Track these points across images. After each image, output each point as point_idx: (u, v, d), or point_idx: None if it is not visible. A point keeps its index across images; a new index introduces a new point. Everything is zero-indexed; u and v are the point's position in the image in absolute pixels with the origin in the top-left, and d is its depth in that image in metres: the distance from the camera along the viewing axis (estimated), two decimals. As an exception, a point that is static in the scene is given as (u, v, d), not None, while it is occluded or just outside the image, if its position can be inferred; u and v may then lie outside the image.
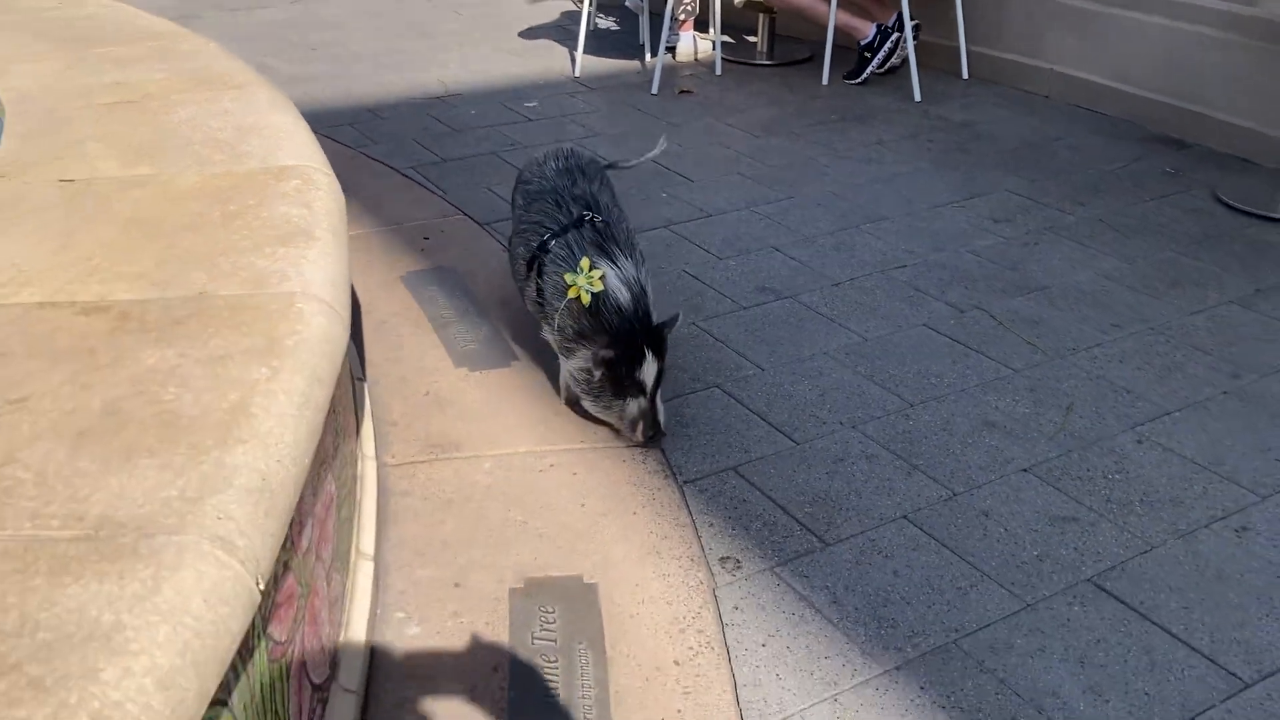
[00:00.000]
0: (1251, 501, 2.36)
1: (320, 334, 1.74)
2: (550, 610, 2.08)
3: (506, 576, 2.16)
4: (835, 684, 1.93)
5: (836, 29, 5.11)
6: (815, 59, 5.34)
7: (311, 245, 1.99)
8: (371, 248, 3.54)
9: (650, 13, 5.49)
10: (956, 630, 2.04)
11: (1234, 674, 1.94)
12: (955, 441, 2.58)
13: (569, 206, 2.63)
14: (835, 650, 2.00)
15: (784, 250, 3.54)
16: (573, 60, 5.40)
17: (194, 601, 1.17)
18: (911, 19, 5.10)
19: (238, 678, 1.33)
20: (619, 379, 2.48)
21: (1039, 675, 1.94)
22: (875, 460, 2.52)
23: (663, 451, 2.56)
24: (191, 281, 1.81)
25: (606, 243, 2.54)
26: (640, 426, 2.51)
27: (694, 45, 5.59)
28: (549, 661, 1.96)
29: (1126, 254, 3.48)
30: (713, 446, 2.58)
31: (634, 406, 2.51)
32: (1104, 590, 2.13)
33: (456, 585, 2.14)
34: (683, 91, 5.09)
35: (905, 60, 5.05)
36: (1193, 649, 1.99)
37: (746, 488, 2.44)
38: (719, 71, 5.36)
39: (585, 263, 2.48)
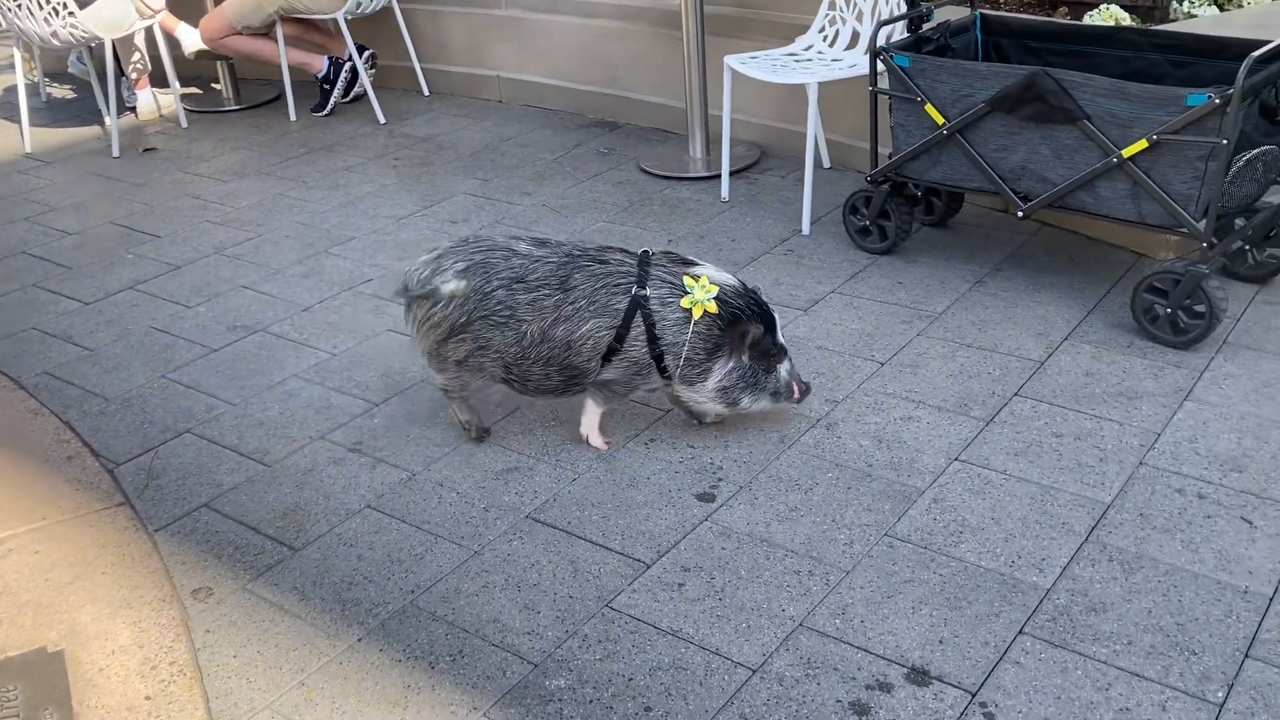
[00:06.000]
0: (658, 417, 2.80)
1: None
2: (12, 689, 2.08)
3: (-37, 670, 2.13)
4: (303, 670, 2.09)
5: (291, 67, 5.25)
6: (283, 98, 5.43)
7: None
8: None
9: (101, 75, 5.31)
10: (413, 591, 2.27)
11: (639, 560, 2.32)
12: (416, 427, 2.83)
13: (611, 254, 2.53)
14: (303, 641, 2.17)
15: (254, 287, 3.63)
16: (22, 136, 5.13)
17: None
18: (365, 47, 5.35)
19: None
20: (767, 351, 2.54)
21: (483, 609, 2.21)
22: (342, 463, 2.71)
23: (132, 507, 2.60)
24: None
25: (673, 258, 2.56)
26: (797, 383, 2.63)
27: (155, 101, 5.49)
28: (12, 737, 1.97)
29: (566, 230, 3.91)
30: (184, 490, 2.65)
31: (784, 370, 2.61)
32: (539, 521, 2.45)
33: (-94, 694, 2.08)
34: (147, 149, 5.01)
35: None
36: (608, 549, 2.35)
37: (219, 519, 2.54)
38: (185, 124, 5.31)
39: (690, 280, 2.48)
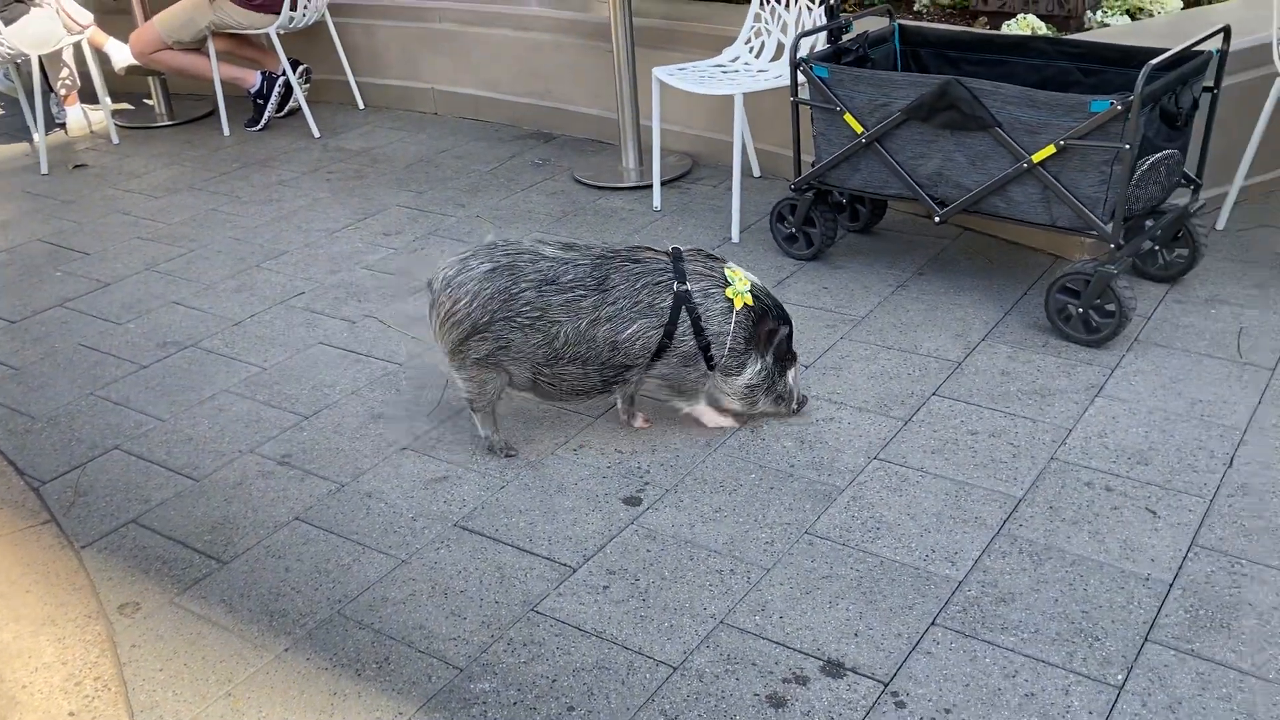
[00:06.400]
0: (587, 424, 2.84)
1: None
2: (-67, 708, 2.07)
3: (-117, 691, 2.11)
4: (230, 680, 2.11)
5: (224, 82, 5.23)
6: (217, 113, 5.40)
7: None
8: None
9: (29, 91, 5.27)
10: (340, 601, 2.29)
11: (565, 564, 2.35)
12: (345, 439, 2.84)
13: (643, 253, 2.59)
14: (230, 652, 2.18)
15: (185, 303, 3.63)
16: (-52, 154, 5.07)
17: None
18: (299, 62, 5.35)
19: None
20: (784, 354, 2.66)
21: (409, 616, 2.24)
22: (271, 476, 2.72)
23: (58, 525, 2.59)
24: None
25: (704, 254, 2.64)
26: (799, 394, 2.75)
27: (85, 118, 5.45)
28: (-68, 756, 1.97)
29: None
30: (112, 506, 2.64)
31: (792, 376, 2.71)
32: (467, 529, 2.48)
33: None
34: (77, 166, 4.97)
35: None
36: (535, 555, 2.39)
37: (146, 535, 2.54)
38: (116, 140, 5.28)
39: (729, 273, 2.59)
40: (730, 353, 2.60)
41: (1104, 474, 2.50)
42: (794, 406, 2.76)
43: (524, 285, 2.51)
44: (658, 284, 2.54)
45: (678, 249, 2.63)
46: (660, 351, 2.58)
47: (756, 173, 4.34)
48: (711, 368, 2.63)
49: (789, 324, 2.66)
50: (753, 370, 2.64)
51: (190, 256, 3.98)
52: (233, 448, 2.84)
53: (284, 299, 3.62)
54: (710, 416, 2.77)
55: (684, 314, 2.55)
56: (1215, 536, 2.30)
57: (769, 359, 2.65)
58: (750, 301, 2.60)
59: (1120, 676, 1.98)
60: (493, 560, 2.38)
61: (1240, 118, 3.57)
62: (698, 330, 2.56)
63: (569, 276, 2.52)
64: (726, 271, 2.60)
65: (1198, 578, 2.19)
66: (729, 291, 2.57)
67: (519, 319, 2.51)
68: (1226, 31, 3.05)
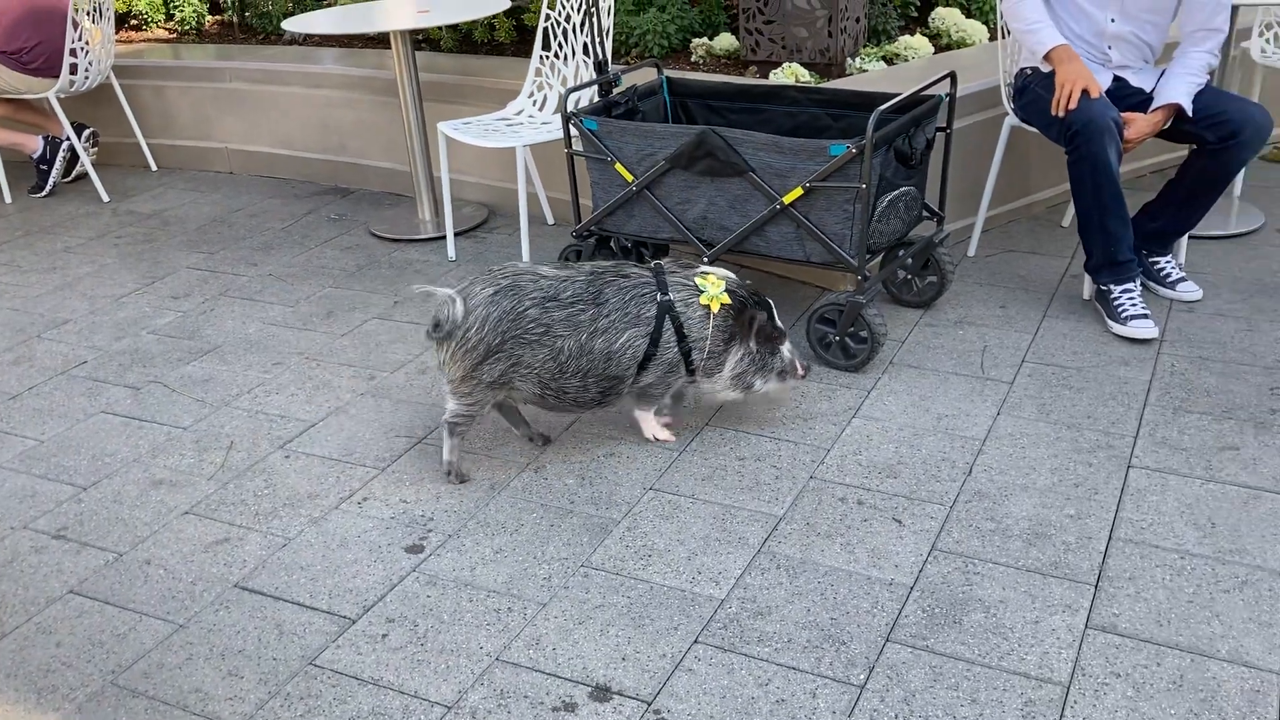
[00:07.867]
0: (372, 475, 2.89)
1: None
2: None
3: None
4: (-8, 765, 2.07)
5: (4, 148, 5.07)
6: (-2, 179, 5.23)
7: None
8: None
9: None
10: (114, 671, 2.27)
11: (344, 616, 2.39)
12: (125, 509, 2.81)
13: (628, 268, 2.75)
14: (-6, 735, 2.13)
15: (-43, 379, 3.51)
16: None
17: None
18: (84, 125, 5.23)
19: None
20: (770, 335, 2.81)
21: (185, 680, 2.24)
22: (44, 551, 2.66)
23: None
24: None
25: (681, 265, 2.81)
26: (798, 362, 2.89)
27: None
28: None
29: (291, 299, 3.95)
30: None
31: (786, 350, 2.87)
32: (247, 589, 2.49)
33: None
34: None
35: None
36: (314, 609, 2.42)
37: (-93, 622, 2.45)
38: (-115, 212, 5.04)
39: (701, 280, 2.75)
40: (710, 355, 2.78)
41: (857, 489, 2.70)
42: (800, 375, 2.92)
43: (528, 304, 2.64)
44: (643, 295, 2.73)
45: (659, 263, 2.81)
46: (646, 361, 2.73)
47: (550, 220, 4.47)
48: (692, 373, 2.80)
49: (767, 307, 2.84)
50: (734, 360, 2.80)
51: (-36, 330, 3.85)
52: (3, 525, 2.77)
53: (65, 369, 3.54)
54: (650, 426, 2.93)
55: (668, 322, 2.73)
56: (953, 540, 2.51)
57: (751, 344, 2.81)
58: (727, 301, 2.76)
59: (862, 676, 2.14)
60: (272, 618, 2.40)
61: (981, 154, 3.90)
62: (680, 337, 2.74)
63: (568, 293, 2.67)
64: (697, 280, 2.77)
65: (935, 579, 2.39)
66: (703, 299, 2.75)
67: (527, 336, 2.64)
68: (953, 77, 3.35)
